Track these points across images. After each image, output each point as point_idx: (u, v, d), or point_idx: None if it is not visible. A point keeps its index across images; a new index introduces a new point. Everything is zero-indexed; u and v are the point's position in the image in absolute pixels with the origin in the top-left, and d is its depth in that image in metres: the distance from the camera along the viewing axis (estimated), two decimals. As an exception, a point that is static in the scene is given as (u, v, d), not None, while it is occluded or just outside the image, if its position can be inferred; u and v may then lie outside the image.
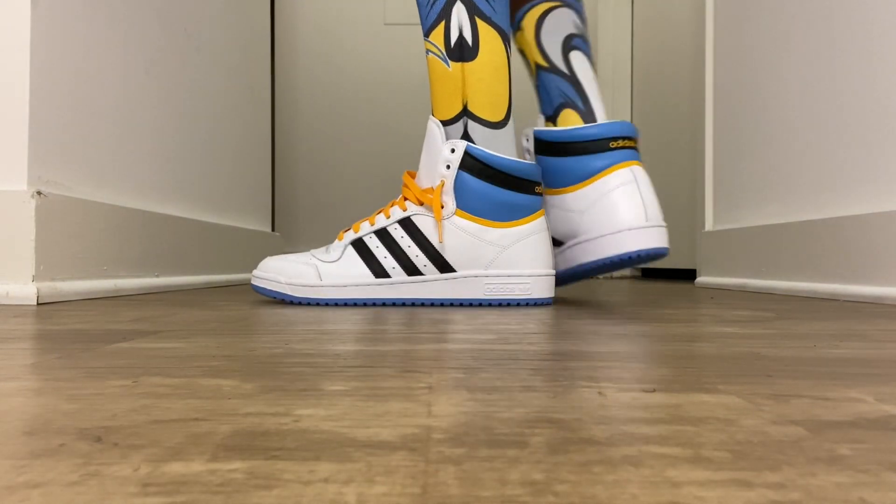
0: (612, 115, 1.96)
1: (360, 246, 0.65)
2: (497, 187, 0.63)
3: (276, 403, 0.21)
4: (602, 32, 1.96)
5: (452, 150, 0.63)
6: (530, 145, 0.74)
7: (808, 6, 0.93)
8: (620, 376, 0.26)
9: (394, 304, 0.65)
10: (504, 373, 0.27)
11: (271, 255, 1.47)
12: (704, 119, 1.25)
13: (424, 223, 0.64)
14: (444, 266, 0.64)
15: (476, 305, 0.65)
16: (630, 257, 0.67)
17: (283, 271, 0.65)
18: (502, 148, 0.66)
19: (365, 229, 0.66)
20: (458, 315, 0.54)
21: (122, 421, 0.19)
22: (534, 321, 0.49)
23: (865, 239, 0.78)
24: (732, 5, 1.16)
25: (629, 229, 0.67)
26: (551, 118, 0.76)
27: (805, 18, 0.93)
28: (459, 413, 0.20)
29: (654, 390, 0.24)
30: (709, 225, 1.24)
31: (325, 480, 0.14)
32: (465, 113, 0.65)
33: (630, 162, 0.69)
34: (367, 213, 2.02)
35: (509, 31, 0.68)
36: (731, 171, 1.16)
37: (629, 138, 0.70)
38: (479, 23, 0.64)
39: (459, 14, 0.64)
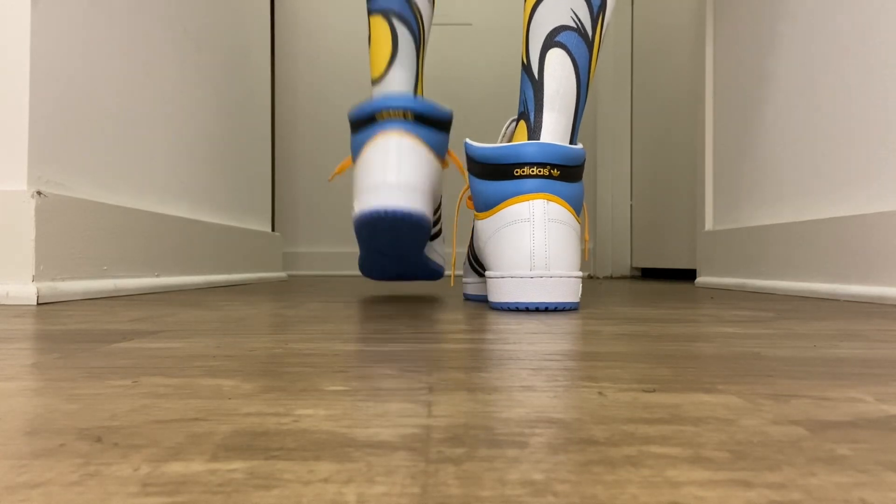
0: (613, 114, 1.96)
1: None
2: (352, 135, 0.67)
3: (276, 403, 0.21)
4: (602, 32, 1.96)
5: None
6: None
7: (809, 6, 0.93)
8: (620, 376, 0.26)
9: None
10: (504, 373, 0.27)
11: (272, 254, 1.47)
12: (704, 119, 1.25)
13: None
14: None
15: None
16: (519, 308, 0.57)
17: None
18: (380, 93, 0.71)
19: None
20: (458, 315, 0.54)
21: (122, 421, 0.19)
22: (534, 321, 0.49)
23: (865, 239, 0.78)
24: (732, 5, 1.16)
25: (511, 277, 0.57)
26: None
27: (806, 18, 0.93)
28: (459, 413, 0.20)
29: (654, 390, 0.24)
30: (709, 225, 1.24)
31: (325, 480, 0.14)
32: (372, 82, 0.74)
33: (533, 195, 0.57)
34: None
35: (399, 6, 0.71)
36: (731, 171, 1.16)
37: (540, 165, 0.57)
38: (369, 17, 0.73)
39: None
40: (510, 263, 0.57)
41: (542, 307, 0.57)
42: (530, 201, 0.57)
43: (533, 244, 0.57)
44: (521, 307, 0.57)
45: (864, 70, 0.81)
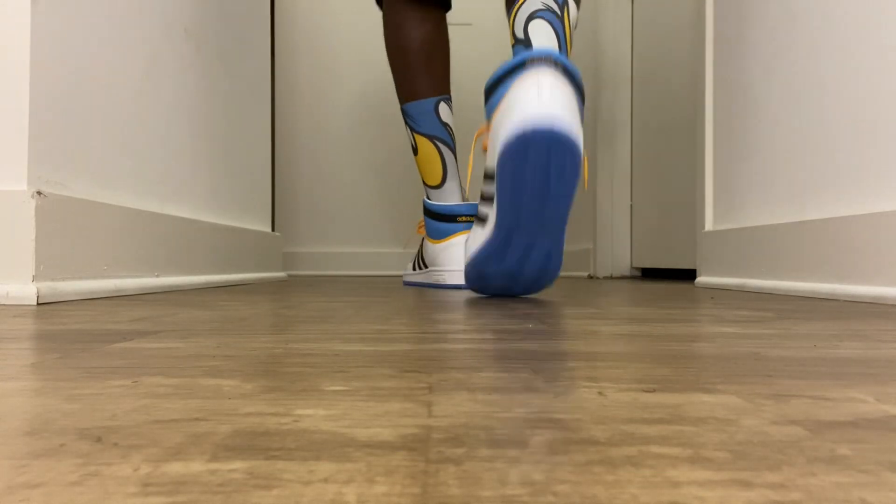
0: (612, 114, 1.96)
1: None
2: (431, 220, 1.06)
3: (276, 403, 0.21)
4: (602, 32, 1.96)
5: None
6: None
7: (810, 5, 0.93)
8: (620, 376, 0.26)
9: None
10: (504, 373, 0.27)
11: (272, 254, 1.47)
12: (704, 119, 1.25)
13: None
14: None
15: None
16: (525, 132, 0.60)
17: None
18: (442, 198, 1.09)
19: None
20: (458, 315, 0.54)
21: (122, 421, 0.19)
22: (534, 321, 0.49)
23: (865, 239, 0.78)
24: (732, 6, 1.16)
25: (519, 105, 0.61)
26: None
27: (806, 18, 0.93)
28: (459, 413, 0.20)
29: (654, 390, 0.24)
30: (709, 225, 1.24)
31: (325, 480, 0.14)
32: (423, 181, 1.12)
33: (539, 59, 0.64)
34: (367, 213, 2.01)
35: (440, 132, 1.07)
36: (731, 171, 1.16)
37: (546, 55, 0.64)
38: (415, 135, 1.09)
39: (409, 132, 1.11)
40: (517, 104, 0.61)
41: (547, 128, 0.59)
42: (536, 66, 0.63)
43: (539, 87, 0.61)
44: (527, 130, 0.60)
45: (864, 69, 0.81)
